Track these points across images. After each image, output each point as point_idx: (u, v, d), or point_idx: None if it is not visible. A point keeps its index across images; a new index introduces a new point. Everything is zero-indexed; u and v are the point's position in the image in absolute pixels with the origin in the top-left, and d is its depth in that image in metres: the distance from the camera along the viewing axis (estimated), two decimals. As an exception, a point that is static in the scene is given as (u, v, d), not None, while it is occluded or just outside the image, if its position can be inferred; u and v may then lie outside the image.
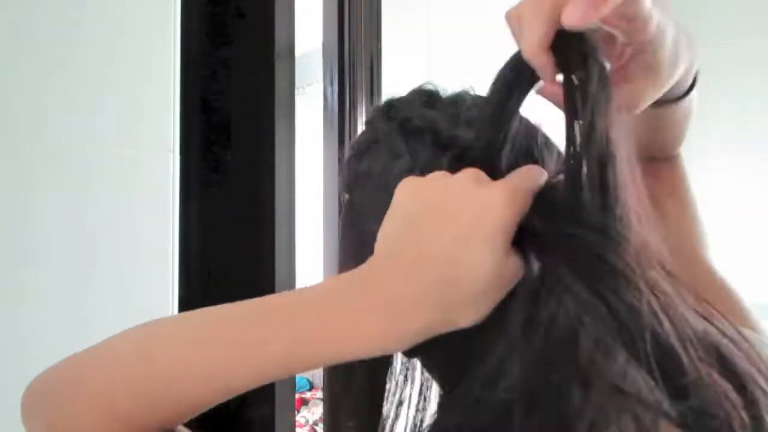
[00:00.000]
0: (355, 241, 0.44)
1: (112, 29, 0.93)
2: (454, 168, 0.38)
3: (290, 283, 1.06)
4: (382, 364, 0.41)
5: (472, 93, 0.45)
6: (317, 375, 3.14)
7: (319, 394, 2.93)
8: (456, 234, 0.33)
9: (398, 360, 0.41)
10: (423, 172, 0.38)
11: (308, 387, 3.10)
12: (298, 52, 1.12)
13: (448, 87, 0.46)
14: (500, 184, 0.35)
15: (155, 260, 0.95)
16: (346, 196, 0.46)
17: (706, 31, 2.28)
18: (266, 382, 0.37)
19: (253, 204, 1.06)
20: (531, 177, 0.37)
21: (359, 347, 0.34)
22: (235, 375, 0.37)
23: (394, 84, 1.34)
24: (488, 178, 0.36)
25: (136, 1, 0.95)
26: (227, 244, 1.04)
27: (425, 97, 0.45)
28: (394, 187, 0.38)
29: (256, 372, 0.36)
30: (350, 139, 1.24)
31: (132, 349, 0.41)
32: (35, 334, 0.85)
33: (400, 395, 0.41)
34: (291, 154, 1.09)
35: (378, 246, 0.37)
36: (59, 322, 0.86)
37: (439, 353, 0.39)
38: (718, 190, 2.05)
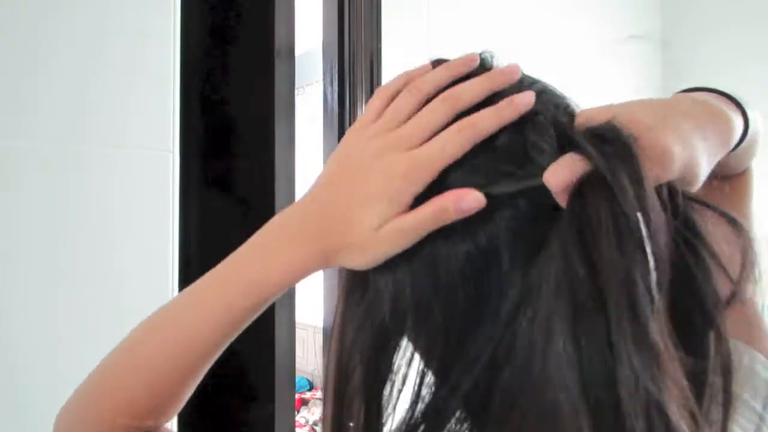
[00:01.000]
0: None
1: (112, 29, 0.93)
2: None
3: (290, 283, 1.06)
4: (381, 357, 0.41)
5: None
6: (317, 375, 3.14)
7: (319, 394, 2.93)
8: (332, 196, 0.41)
9: (398, 354, 0.42)
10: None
11: (308, 387, 3.10)
12: (298, 52, 1.12)
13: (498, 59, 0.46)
14: (412, 155, 0.39)
15: (155, 260, 0.95)
16: None
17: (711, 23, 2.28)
18: (228, 324, 0.45)
19: (253, 204, 1.06)
20: (450, 149, 0.38)
21: (281, 271, 0.42)
22: (209, 318, 0.45)
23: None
24: (403, 142, 0.39)
25: (136, 2, 0.95)
26: (227, 244, 1.04)
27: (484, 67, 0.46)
28: None
29: (212, 313, 0.44)
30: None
31: (121, 352, 0.48)
32: (36, 334, 0.85)
33: (400, 386, 0.42)
34: (291, 154, 1.09)
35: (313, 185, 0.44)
36: (59, 322, 0.86)
37: (438, 342, 0.40)
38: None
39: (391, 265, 0.40)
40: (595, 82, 1.95)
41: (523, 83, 0.42)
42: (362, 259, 0.40)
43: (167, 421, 0.49)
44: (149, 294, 0.94)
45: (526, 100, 0.39)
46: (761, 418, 0.45)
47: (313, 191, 0.43)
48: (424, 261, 0.39)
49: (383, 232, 0.39)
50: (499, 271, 0.38)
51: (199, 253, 1.00)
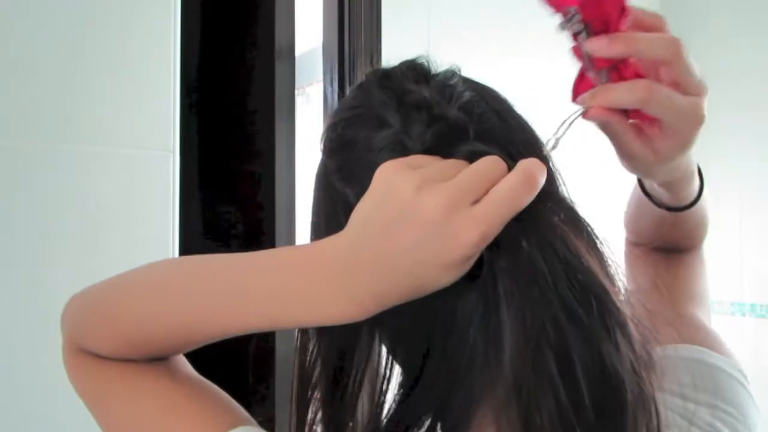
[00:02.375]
0: (326, 201, 0.46)
1: (112, 29, 0.93)
2: (442, 144, 0.40)
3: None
4: (347, 347, 0.43)
5: (459, 73, 0.45)
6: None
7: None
8: (418, 259, 0.36)
9: (361, 342, 0.43)
10: (408, 149, 0.40)
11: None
12: (298, 52, 1.12)
13: (437, 63, 0.45)
14: (475, 217, 0.35)
15: (156, 260, 0.95)
16: (323, 157, 0.47)
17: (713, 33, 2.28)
18: (243, 332, 0.44)
19: (253, 204, 1.06)
20: (513, 201, 0.36)
21: (325, 320, 0.40)
22: (217, 324, 0.44)
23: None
24: (466, 199, 0.36)
25: (136, 2, 0.95)
26: (227, 244, 1.04)
27: (419, 71, 0.45)
28: (375, 155, 0.41)
29: (233, 323, 0.43)
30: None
31: (135, 295, 0.49)
32: (36, 334, 0.85)
33: (362, 376, 0.43)
34: (291, 154, 1.09)
35: (350, 225, 0.39)
36: (57, 324, 0.86)
37: (407, 336, 0.42)
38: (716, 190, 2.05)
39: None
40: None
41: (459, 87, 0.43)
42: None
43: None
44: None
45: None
46: (735, 406, 0.48)
47: (352, 236, 0.39)
48: None
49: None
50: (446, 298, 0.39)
51: (200, 252, 1.00)
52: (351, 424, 0.42)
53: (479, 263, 0.37)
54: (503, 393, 0.37)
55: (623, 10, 0.42)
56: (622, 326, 0.36)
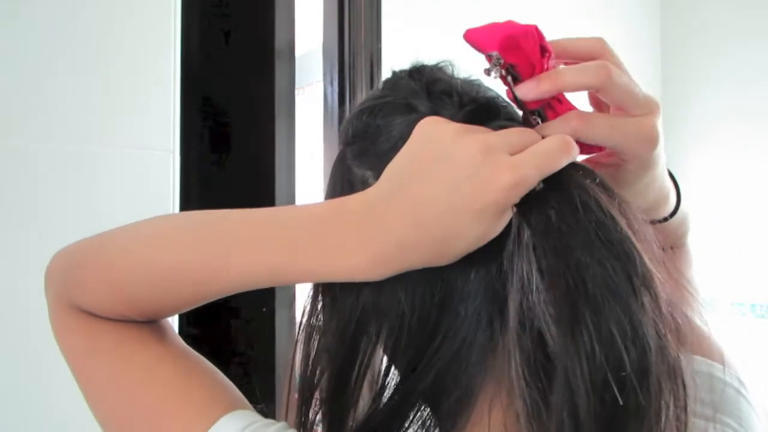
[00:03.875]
0: (342, 185, 0.46)
1: (113, 29, 0.93)
2: (474, 122, 0.40)
3: (290, 283, 1.06)
4: (348, 355, 0.42)
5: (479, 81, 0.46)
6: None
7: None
8: (451, 204, 0.36)
9: (363, 353, 0.42)
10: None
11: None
12: (298, 52, 1.12)
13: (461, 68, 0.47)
14: (512, 162, 0.36)
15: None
16: (342, 145, 0.47)
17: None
18: (248, 288, 0.42)
19: (253, 204, 1.05)
20: (550, 157, 0.37)
21: (342, 273, 0.38)
22: (227, 275, 0.41)
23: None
24: (503, 147, 0.37)
25: (136, 2, 0.95)
26: (227, 244, 1.04)
27: (446, 70, 0.46)
28: (400, 140, 0.40)
29: (241, 279, 0.41)
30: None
31: (139, 245, 0.46)
32: (41, 333, 0.85)
33: (366, 368, 0.43)
34: (291, 154, 1.09)
35: (383, 178, 0.39)
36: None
37: (403, 339, 0.41)
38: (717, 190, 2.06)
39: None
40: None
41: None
42: (442, 258, 0.38)
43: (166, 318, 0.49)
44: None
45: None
46: (736, 418, 0.48)
47: (383, 185, 0.39)
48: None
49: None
50: (462, 270, 0.39)
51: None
52: (352, 413, 0.42)
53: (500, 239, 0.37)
54: (507, 371, 0.37)
55: (543, 49, 0.41)
56: (650, 287, 0.35)
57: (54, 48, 0.88)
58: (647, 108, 0.42)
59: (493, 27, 0.43)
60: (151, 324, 0.47)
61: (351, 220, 0.38)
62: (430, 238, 0.36)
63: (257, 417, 0.42)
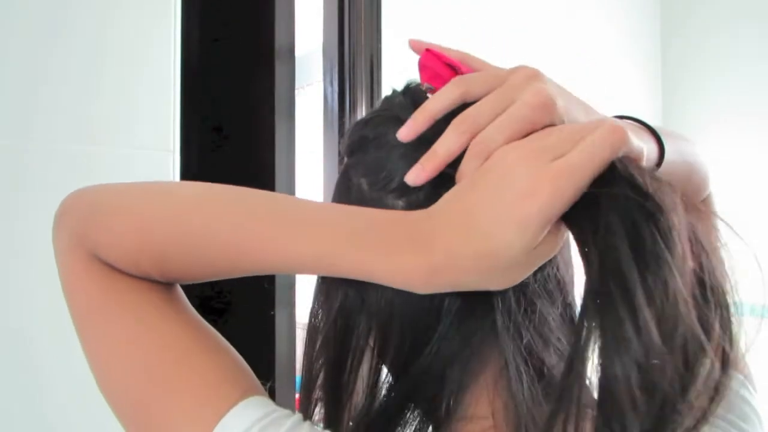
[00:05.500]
0: (343, 196, 0.47)
1: (113, 29, 0.93)
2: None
3: (290, 282, 1.06)
4: (343, 351, 0.43)
5: None
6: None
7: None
8: (496, 212, 0.36)
9: (357, 352, 0.44)
10: (426, 141, 0.41)
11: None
12: (298, 52, 1.12)
13: None
14: (551, 167, 0.35)
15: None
16: (345, 159, 0.48)
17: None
18: (285, 271, 0.41)
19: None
20: (594, 157, 0.35)
21: (390, 274, 0.38)
22: (273, 255, 0.40)
23: (394, 84, 1.34)
24: (546, 154, 0.36)
25: (136, 3, 0.95)
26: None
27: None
28: (388, 148, 0.43)
29: (284, 258, 0.40)
30: (350, 139, 1.24)
31: (181, 207, 0.43)
32: (43, 332, 0.85)
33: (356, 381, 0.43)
34: (291, 154, 1.09)
35: (445, 196, 0.39)
36: (60, 323, 0.86)
37: (394, 342, 0.42)
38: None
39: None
40: (594, 82, 1.95)
41: None
42: (505, 278, 0.38)
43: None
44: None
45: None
46: (729, 422, 0.48)
47: (442, 200, 0.39)
48: None
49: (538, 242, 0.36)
50: None
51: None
52: (348, 410, 0.43)
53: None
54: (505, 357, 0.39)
55: (451, 66, 0.45)
56: (681, 263, 0.34)
57: (53, 47, 0.88)
58: (515, 84, 0.40)
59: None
60: (171, 289, 0.45)
61: (409, 225, 0.38)
62: (479, 249, 0.36)
63: (273, 406, 0.40)
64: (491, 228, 0.35)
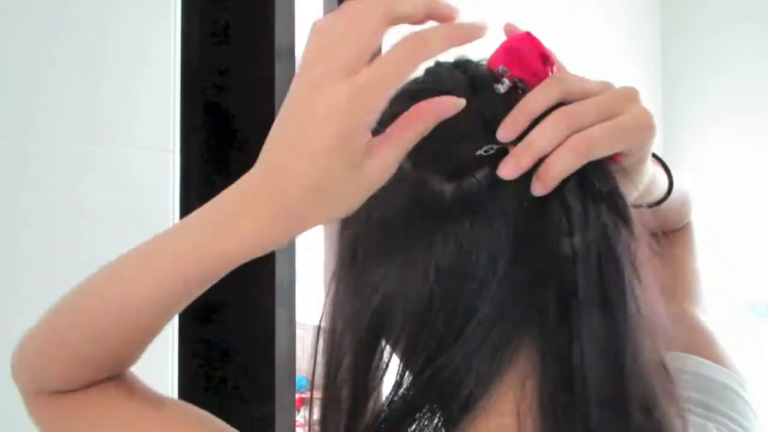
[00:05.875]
0: None
1: (112, 29, 0.93)
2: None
3: (290, 281, 1.06)
4: (365, 357, 0.42)
5: None
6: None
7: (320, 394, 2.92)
8: (287, 147, 0.35)
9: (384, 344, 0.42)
10: (489, 124, 0.39)
11: (308, 387, 3.10)
12: (298, 52, 1.12)
13: None
14: (344, 82, 0.33)
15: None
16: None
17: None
18: (180, 293, 0.41)
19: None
20: (390, 70, 0.34)
21: (239, 244, 0.38)
22: (146, 289, 0.41)
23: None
24: (339, 71, 0.34)
25: (136, 2, 0.95)
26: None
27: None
28: (444, 127, 0.39)
29: (162, 282, 0.41)
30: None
31: (71, 300, 0.47)
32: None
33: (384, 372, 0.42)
34: (291, 154, 1.09)
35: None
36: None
37: (417, 340, 0.41)
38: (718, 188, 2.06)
39: (376, 261, 0.40)
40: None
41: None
42: (335, 209, 0.37)
43: (125, 369, 0.48)
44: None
45: (479, 29, 0.37)
46: (730, 418, 0.48)
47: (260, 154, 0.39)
48: (404, 258, 0.40)
49: (360, 171, 0.35)
50: (482, 262, 0.39)
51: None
52: (372, 405, 0.42)
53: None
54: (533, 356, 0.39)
55: (545, 57, 0.41)
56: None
57: (53, 47, 0.88)
58: (623, 96, 0.41)
59: (502, 44, 0.43)
60: (115, 380, 0.47)
61: (232, 193, 0.39)
62: (299, 186, 0.35)
63: None
64: (300, 166, 0.35)
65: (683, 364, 0.49)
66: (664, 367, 0.40)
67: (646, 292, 0.39)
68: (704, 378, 0.49)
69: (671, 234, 0.61)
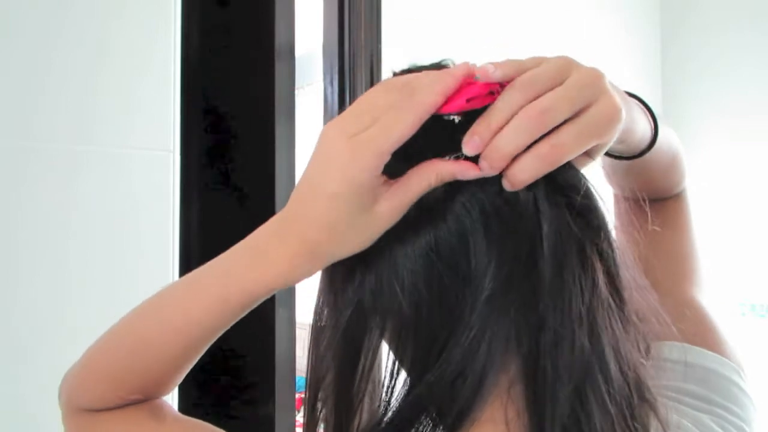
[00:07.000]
0: None
1: (112, 29, 0.93)
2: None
3: (290, 283, 1.06)
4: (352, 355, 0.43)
5: None
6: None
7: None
8: (309, 189, 0.39)
9: (368, 355, 0.43)
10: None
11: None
12: (298, 52, 1.12)
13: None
14: (354, 139, 0.37)
15: (155, 261, 0.95)
16: None
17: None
18: (217, 323, 0.45)
19: (253, 204, 1.06)
20: (394, 126, 0.37)
21: (269, 272, 0.41)
22: (186, 321, 0.46)
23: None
24: (353, 127, 0.38)
25: (137, 1, 0.95)
26: (227, 245, 1.04)
27: (449, 66, 0.46)
28: None
29: (203, 302, 0.45)
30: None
31: (115, 333, 0.51)
32: (35, 335, 0.85)
33: (369, 369, 0.43)
34: (291, 154, 1.09)
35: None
36: (58, 323, 0.86)
37: (413, 340, 0.41)
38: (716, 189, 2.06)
39: (356, 270, 0.41)
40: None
41: None
42: (350, 245, 0.40)
43: (161, 396, 0.51)
44: (150, 292, 0.94)
45: (461, 70, 0.39)
46: (728, 410, 0.48)
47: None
48: (387, 263, 0.40)
49: (366, 216, 0.39)
50: (466, 260, 0.39)
51: (200, 252, 1.00)
52: (358, 415, 0.42)
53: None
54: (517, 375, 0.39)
55: (489, 91, 0.41)
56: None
57: (53, 48, 0.88)
58: (589, 82, 0.40)
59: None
60: (149, 403, 0.50)
61: (266, 229, 0.43)
62: (319, 224, 0.39)
63: None
64: (302, 209, 0.40)
65: (684, 355, 0.49)
66: (646, 362, 0.40)
67: (626, 289, 0.40)
68: (704, 369, 0.50)
69: (664, 203, 0.59)
